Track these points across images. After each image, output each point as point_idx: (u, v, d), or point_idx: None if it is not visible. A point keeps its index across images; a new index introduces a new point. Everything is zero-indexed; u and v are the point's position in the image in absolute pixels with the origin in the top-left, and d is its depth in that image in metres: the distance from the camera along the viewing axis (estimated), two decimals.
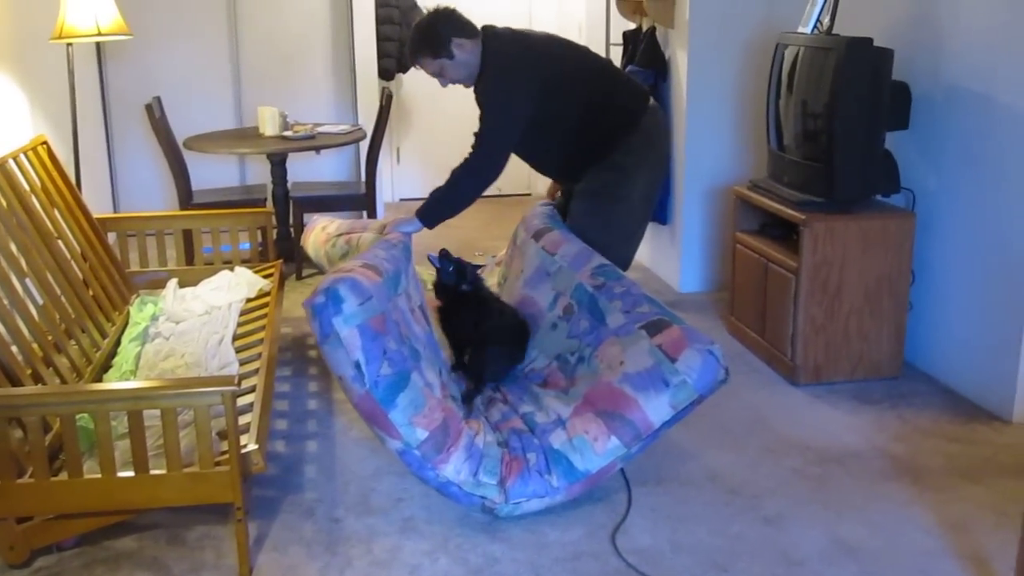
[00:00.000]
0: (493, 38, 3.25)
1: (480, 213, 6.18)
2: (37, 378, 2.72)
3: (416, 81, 6.35)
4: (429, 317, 3.15)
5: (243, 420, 2.59)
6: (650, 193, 3.49)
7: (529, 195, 6.97)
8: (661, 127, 3.52)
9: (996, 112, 3.25)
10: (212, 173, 5.73)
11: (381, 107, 5.21)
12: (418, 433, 2.52)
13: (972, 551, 2.53)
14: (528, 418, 2.83)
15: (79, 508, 2.40)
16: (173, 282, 3.87)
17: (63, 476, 2.36)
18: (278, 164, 5.10)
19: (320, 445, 3.20)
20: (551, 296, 3.18)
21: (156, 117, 4.84)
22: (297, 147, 5.00)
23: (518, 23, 3.53)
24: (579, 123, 3.34)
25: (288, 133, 5.07)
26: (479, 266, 3.28)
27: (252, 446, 2.44)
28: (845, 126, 3.38)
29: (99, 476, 2.35)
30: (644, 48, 4.73)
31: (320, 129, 5.25)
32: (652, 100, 3.48)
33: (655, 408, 2.60)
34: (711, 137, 4.59)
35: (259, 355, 3.16)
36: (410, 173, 6.89)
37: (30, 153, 3.39)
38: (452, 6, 3.27)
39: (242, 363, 3.18)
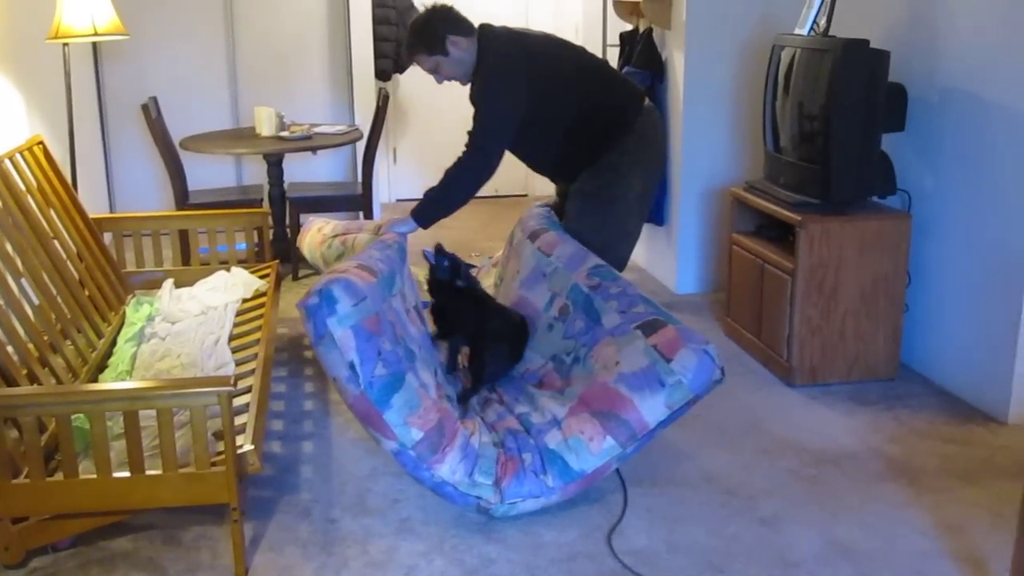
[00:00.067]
0: (489, 36, 3.25)
1: (477, 214, 6.19)
2: (33, 378, 2.72)
3: (413, 82, 6.35)
4: (424, 317, 3.15)
5: (239, 420, 2.58)
6: (646, 194, 3.50)
7: (526, 196, 6.96)
8: (657, 128, 3.52)
9: (992, 114, 3.26)
10: (208, 173, 5.72)
11: (378, 107, 5.21)
12: (413, 433, 2.52)
13: (968, 552, 2.53)
14: (524, 418, 2.82)
15: (75, 508, 2.40)
16: (169, 282, 3.87)
17: (59, 476, 2.36)
18: (274, 164, 5.10)
19: (316, 446, 3.20)
20: (547, 297, 3.18)
21: (152, 117, 4.84)
22: (293, 147, 5.00)
23: (515, 24, 3.53)
24: (575, 123, 3.35)
25: (284, 133, 5.07)
26: (472, 266, 3.28)
27: (248, 447, 2.44)
28: (841, 127, 3.38)
29: (95, 476, 2.34)
30: (641, 49, 4.73)
31: (316, 129, 5.25)
32: (648, 101, 3.48)
33: (651, 408, 2.61)
34: (707, 138, 4.59)
35: (255, 355, 3.16)
36: (407, 174, 6.88)
37: (26, 153, 3.39)
38: (448, 3, 3.28)
39: (238, 363, 3.18)
